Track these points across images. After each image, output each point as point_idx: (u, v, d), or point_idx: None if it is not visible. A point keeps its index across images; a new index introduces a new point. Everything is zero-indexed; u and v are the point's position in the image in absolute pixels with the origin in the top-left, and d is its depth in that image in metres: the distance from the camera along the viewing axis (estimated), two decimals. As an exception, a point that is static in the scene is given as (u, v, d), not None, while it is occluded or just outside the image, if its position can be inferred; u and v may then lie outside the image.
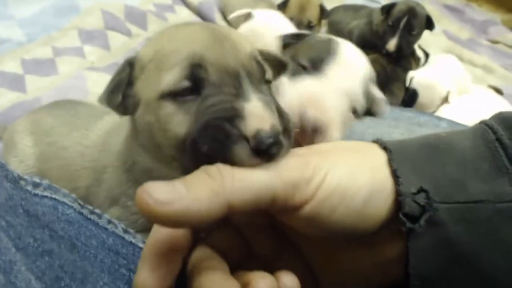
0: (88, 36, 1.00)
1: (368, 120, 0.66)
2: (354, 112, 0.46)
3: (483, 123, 0.31)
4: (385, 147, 0.30)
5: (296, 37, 0.52)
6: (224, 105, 0.27)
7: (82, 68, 0.91)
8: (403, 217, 0.27)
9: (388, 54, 1.19)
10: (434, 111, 1.16)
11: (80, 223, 0.34)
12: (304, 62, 0.46)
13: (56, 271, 0.28)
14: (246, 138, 0.25)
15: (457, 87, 1.18)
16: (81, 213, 0.34)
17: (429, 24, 1.21)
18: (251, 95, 0.27)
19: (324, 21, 1.32)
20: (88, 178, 0.44)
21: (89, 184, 0.43)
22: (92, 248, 0.32)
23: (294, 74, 0.46)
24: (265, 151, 0.25)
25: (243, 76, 0.29)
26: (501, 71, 1.65)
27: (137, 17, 1.12)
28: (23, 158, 0.60)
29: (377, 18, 1.26)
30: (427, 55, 1.34)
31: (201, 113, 0.27)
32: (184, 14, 1.27)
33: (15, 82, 0.84)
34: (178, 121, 0.28)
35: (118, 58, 1.00)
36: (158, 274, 0.25)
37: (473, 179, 0.28)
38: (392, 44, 1.17)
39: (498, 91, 1.30)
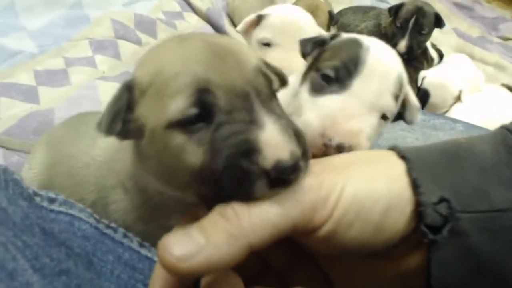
0: (98, 45, 1.01)
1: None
2: (384, 117, 0.41)
3: (504, 127, 0.30)
4: (403, 155, 0.29)
5: (317, 44, 0.46)
6: (239, 137, 0.25)
7: (93, 78, 0.92)
8: (425, 228, 0.26)
9: (399, 56, 1.17)
10: (447, 111, 1.14)
11: (96, 238, 0.34)
12: (328, 72, 0.40)
13: None
14: (265, 171, 0.24)
15: (469, 86, 1.16)
16: (97, 228, 0.34)
17: (438, 22, 1.20)
18: (264, 120, 0.26)
19: (332, 28, 1.31)
20: (94, 193, 0.43)
21: (95, 200, 0.42)
22: (108, 263, 0.32)
23: (316, 88, 0.41)
24: (285, 180, 0.25)
25: (253, 96, 0.27)
26: (512, 69, 1.63)
27: (147, 26, 1.13)
28: (33, 165, 0.61)
29: (386, 19, 1.25)
30: (441, 55, 1.32)
31: (216, 144, 0.26)
32: (193, 21, 1.28)
33: (29, 94, 0.85)
34: (192, 152, 0.27)
35: (129, 67, 1.00)
36: None
37: (495, 186, 0.27)
38: (402, 45, 1.16)
39: (511, 88, 1.29)
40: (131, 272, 0.32)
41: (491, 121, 1.08)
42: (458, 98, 1.13)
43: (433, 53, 1.28)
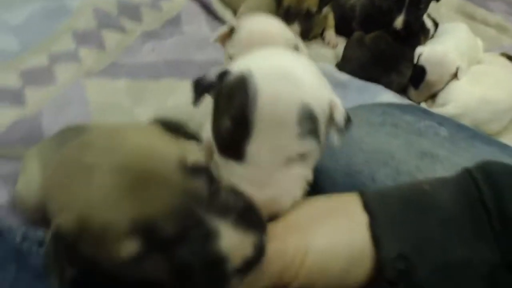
0: (82, 37, 0.98)
1: (365, 124, 0.64)
2: (306, 156, 0.35)
3: (468, 172, 0.31)
4: (366, 208, 0.31)
5: (205, 90, 0.37)
6: (202, 254, 0.26)
7: (79, 74, 0.90)
8: (384, 283, 0.29)
9: (396, 32, 1.13)
10: (443, 88, 1.12)
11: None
12: (224, 136, 0.34)
13: None
14: (236, 270, 0.26)
15: (467, 60, 1.13)
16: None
17: (436, -8, 1.13)
18: (217, 227, 0.26)
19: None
20: None
21: None
22: None
23: (221, 152, 0.35)
24: (254, 267, 0.27)
25: (195, 206, 0.26)
26: (515, 30, 1.57)
27: (131, 11, 1.09)
28: (30, 178, 0.62)
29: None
30: (436, 23, 1.27)
31: (179, 266, 0.26)
32: (179, 0, 1.23)
33: (14, 96, 0.84)
34: (155, 277, 0.27)
35: (115, 58, 0.98)
36: None
37: (453, 242, 0.28)
38: (399, 21, 1.12)
39: (511, 58, 1.25)
40: None
41: (488, 99, 1.06)
42: (455, 75, 1.10)
43: (428, 24, 1.23)
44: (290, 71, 0.35)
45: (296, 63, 0.38)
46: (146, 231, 0.25)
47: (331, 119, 0.37)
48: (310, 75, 0.37)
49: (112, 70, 0.94)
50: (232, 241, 0.26)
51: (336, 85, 1.11)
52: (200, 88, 0.37)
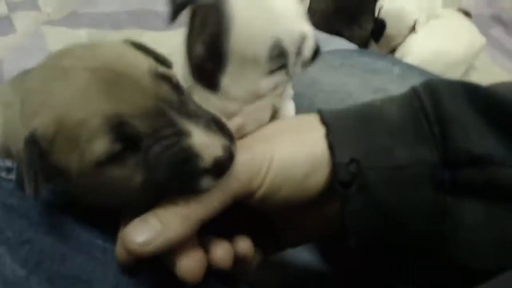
0: (40, -15, 0.94)
1: (326, 67, 0.68)
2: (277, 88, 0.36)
3: (413, 89, 0.34)
4: (324, 121, 0.34)
5: (180, 6, 0.35)
6: (174, 150, 0.27)
7: (39, 23, 0.88)
8: (337, 185, 0.31)
9: None
10: (401, 42, 1.17)
11: (54, 203, 0.37)
12: (199, 62, 0.34)
13: (36, 257, 0.31)
14: (207, 170, 0.28)
15: (425, 14, 1.17)
16: (54, 193, 0.37)
17: None
18: (188, 128, 0.27)
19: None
20: None
21: None
22: (67, 225, 0.36)
23: (195, 75, 0.35)
24: (224, 169, 0.28)
25: (167, 108, 0.28)
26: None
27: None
28: None
29: None
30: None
31: (152, 162, 0.27)
32: None
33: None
34: (129, 177, 0.28)
35: (75, 6, 0.96)
36: None
37: (399, 146, 0.31)
38: None
39: (467, 13, 1.30)
40: (90, 229, 0.35)
41: (443, 52, 1.12)
42: (413, 28, 1.14)
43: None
44: (268, 2, 0.34)
45: None
46: (119, 128, 0.26)
47: (300, 51, 0.37)
48: (286, 4, 0.36)
49: (72, 19, 0.92)
50: (202, 140, 0.27)
51: (300, 38, 1.13)
52: (176, 3, 0.35)
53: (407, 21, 1.13)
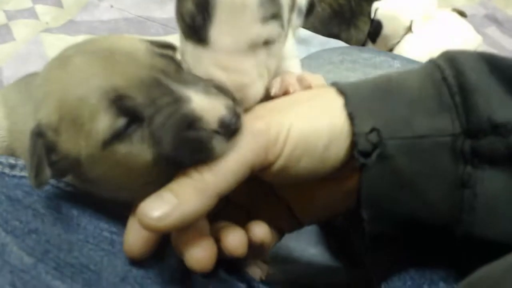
0: (38, -6, 0.95)
1: (326, 63, 0.68)
2: (269, 42, 0.34)
3: (432, 61, 0.33)
4: (341, 91, 0.33)
5: None
6: (176, 116, 0.27)
7: (37, 31, 0.88)
8: (357, 154, 0.30)
9: None
10: (398, 42, 1.18)
11: (60, 196, 0.37)
12: (188, 20, 0.33)
13: (44, 246, 0.31)
14: (214, 131, 0.27)
15: (421, 14, 1.18)
16: (58, 187, 0.37)
17: None
18: (187, 93, 0.27)
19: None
20: None
21: None
22: (73, 217, 0.35)
23: (186, 34, 0.34)
24: (233, 129, 0.27)
25: (163, 78, 0.28)
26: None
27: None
28: None
29: None
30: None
31: (157, 133, 0.27)
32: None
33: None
34: (139, 152, 0.27)
35: (72, 15, 0.96)
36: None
37: (419, 116, 0.31)
38: None
39: (462, 13, 1.32)
40: (96, 222, 0.35)
41: (439, 51, 1.12)
42: (409, 29, 1.15)
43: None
44: None
45: None
46: (117, 101, 0.26)
47: (294, 2, 0.36)
48: None
49: (70, 27, 0.93)
50: (203, 103, 0.27)
51: (299, 41, 1.14)
52: None
53: (403, 21, 1.14)
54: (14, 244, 0.30)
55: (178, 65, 0.31)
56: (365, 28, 1.18)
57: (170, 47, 0.34)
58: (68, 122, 0.28)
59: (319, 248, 0.55)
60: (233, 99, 0.29)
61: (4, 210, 0.32)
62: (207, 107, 0.27)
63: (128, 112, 0.27)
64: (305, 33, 1.15)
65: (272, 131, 0.30)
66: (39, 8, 0.93)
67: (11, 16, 0.90)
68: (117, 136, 0.27)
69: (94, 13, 0.99)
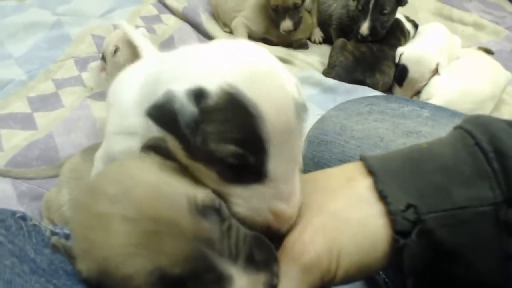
0: (83, 63, 1.04)
1: (354, 115, 0.70)
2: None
3: (461, 128, 0.33)
4: (369, 170, 0.32)
5: (193, 124, 0.30)
6: None
7: (84, 96, 0.96)
8: (396, 236, 0.30)
9: (363, 38, 1.20)
10: (425, 84, 1.19)
11: None
12: (232, 161, 0.30)
13: None
14: None
15: (446, 56, 1.20)
16: None
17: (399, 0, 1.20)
18: (229, 271, 0.28)
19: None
20: None
21: None
22: None
23: (226, 177, 0.31)
24: None
25: (207, 251, 0.28)
26: (491, 26, 1.67)
27: (127, 36, 1.15)
28: (61, 202, 0.69)
29: (353, 3, 1.27)
30: (416, 25, 1.35)
31: None
32: (171, 22, 1.30)
33: (26, 121, 0.89)
34: None
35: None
36: None
37: (456, 185, 0.30)
38: (364, 28, 1.19)
39: (488, 51, 1.32)
40: None
41: (469, 90, 1.13)
42: (436, 71, 1.17)
43: (408, 26, 1.30)
44: (267, 67, 0.32)
45: (261, 54, 0.34)
46: (161, 279, 0.27)
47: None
48: (276, 61, 0.34)
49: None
50: (243, 284, 0.28)
51: (325, 90, 1.18)
52: (168, 117, 0.30)
53: (429, 64, 1.16)
54: None
55: (221, 218, 0.30)
56: (390, 71, 1.21)
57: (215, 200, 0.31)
58: (108, 282, 0.29)
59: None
60: (272, 264, 0.30)
61: (63, 284, 0.34)
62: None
63: (172, 285, 0.28)
64: (330, 81, 1.19)
65: (324, 262, 0.30)
66: (85, 75, 1.01)
67: (60, 84, 0.98)
68: None
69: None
